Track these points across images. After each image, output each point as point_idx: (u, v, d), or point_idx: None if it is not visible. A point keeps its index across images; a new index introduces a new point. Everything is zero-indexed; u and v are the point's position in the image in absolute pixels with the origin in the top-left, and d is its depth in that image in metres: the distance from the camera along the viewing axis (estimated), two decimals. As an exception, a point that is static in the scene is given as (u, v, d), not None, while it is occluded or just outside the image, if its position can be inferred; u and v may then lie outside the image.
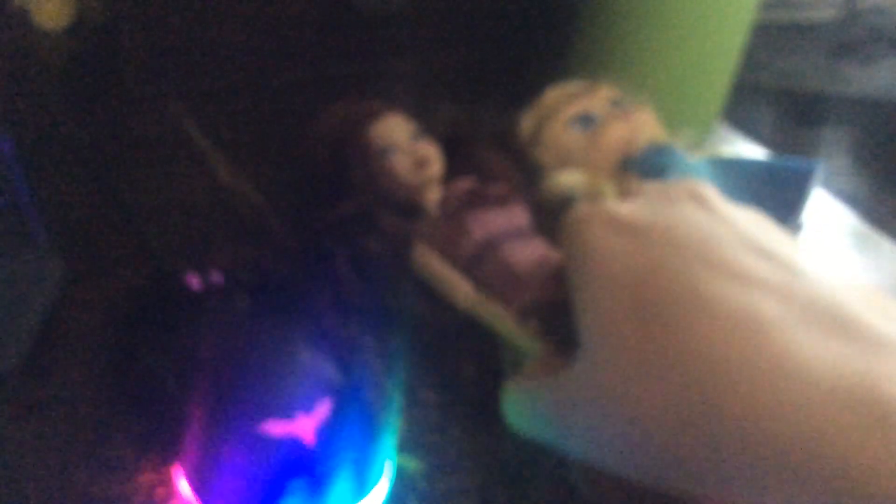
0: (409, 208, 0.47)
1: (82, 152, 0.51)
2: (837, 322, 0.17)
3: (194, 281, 0.39)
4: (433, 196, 0.48)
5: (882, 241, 0.58)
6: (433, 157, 0.48)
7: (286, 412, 0.34)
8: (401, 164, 0.47)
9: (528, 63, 0.63)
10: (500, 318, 0.40)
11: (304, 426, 0.34)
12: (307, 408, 0.34)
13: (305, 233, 0.44)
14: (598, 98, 0.51)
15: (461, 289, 0.43)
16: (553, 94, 0.53)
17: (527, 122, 0.52)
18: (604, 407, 0.20)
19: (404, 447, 0.38)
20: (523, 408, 0.24)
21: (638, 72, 0.59)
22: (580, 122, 0.49)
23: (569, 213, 0.24)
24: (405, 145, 0.48)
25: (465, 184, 0.49)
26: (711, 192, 0.23)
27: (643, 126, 0.50)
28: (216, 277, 0.39)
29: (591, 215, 0.23)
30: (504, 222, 0.46)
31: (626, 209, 0.22)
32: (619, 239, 0.21)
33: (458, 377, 0.41)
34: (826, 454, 0.15)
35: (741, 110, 0.73)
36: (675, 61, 0.59)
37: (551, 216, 0.39)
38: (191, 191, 0.49)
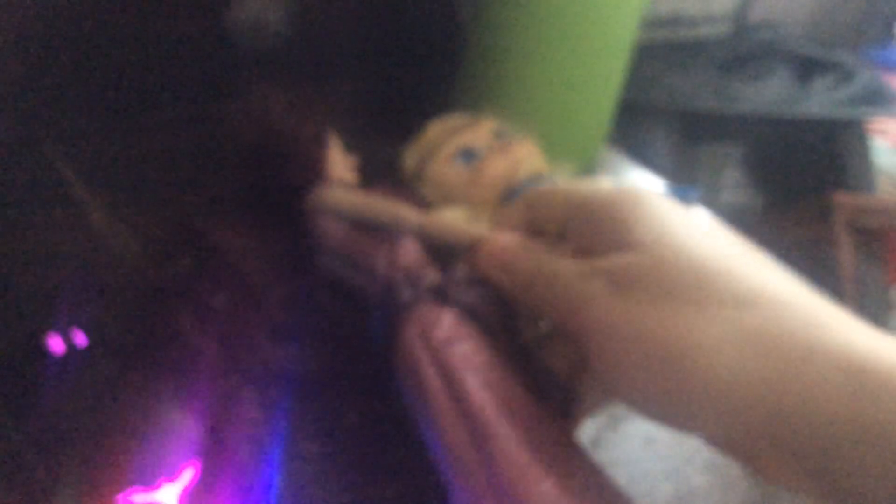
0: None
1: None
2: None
3: (57, 342, 0.38)
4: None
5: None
6: None
7: (147, 479, 0.33)
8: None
9: (413, 96, 0.63)
10: (461, 231, 0.36)
11: (167, 493, 0.32)
12: (170, 473, 0.33)
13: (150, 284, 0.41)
14: (480, 131, 0.51)
15: (403, 209, 0.38)
16: (435, 129, 0.53)
17: (410, 157, 0.52)
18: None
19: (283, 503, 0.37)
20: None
21: (521, 100, 0.60)
22: (462, 157, 0.49)
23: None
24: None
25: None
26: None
27: (524, 158, 0.50)
28: (80, 338, 0.38)
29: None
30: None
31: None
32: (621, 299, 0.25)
33: (340, 426, 0.40)
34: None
35: (630, 131, 0.75)
36: (558, 88, 0.60)
37: (440, 253, 0.38)
38: (58, 241, 0.47)
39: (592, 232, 0.28)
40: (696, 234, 0.26)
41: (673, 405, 0.24)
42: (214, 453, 0.36)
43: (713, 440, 0.24)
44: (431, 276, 0.36)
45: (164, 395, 0.36)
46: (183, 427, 0.35)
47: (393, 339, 0.33)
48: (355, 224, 0.41)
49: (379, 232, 0.40)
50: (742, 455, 0.23)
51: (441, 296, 0.34)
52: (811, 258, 1.07)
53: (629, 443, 0.39)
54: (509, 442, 0.27)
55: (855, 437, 0.20)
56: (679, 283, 0.24)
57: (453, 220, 0.42)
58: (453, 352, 0.31)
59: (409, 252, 0.39)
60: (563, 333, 0.29)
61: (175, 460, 0.34)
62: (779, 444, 0.22)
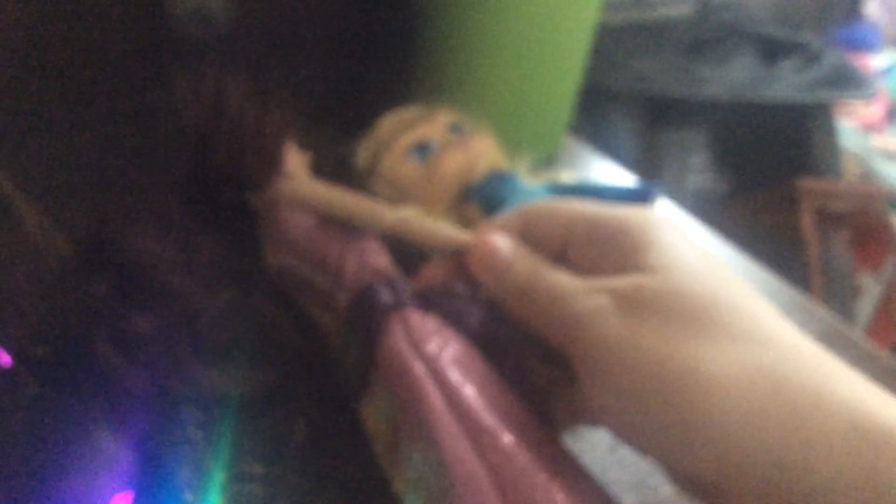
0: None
1: None
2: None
3: (-23, 362, 0.35)
4: None
5: (726, 251, 0.59)
6: None
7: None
8: None
9: (365, 88, 0.61)
10: (443, 232, 0.34)
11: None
12: (102, 502, 0.31)
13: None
14: (435, 124, 0.49)
15: (380, 207, 0.36)
16: (389, 122, 0.50)
17: (363, 153, 0.50)
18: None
19: (227, 530, 0.35)
20: None
21: (479, 89, 0.58)
22: (417, 151, 0.47)
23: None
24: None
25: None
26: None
27: (482, 153, 0.48)
28: (4, 359, 0.35)
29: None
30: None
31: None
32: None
33: (288, 443, 0.38)
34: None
35: (593, 118, 0.73)
36: (517, 75, 0.58)
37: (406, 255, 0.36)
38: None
39: (600, 251, 0.27)
40: (708, 264, 0.25)
41: (665, 435, 0.23)
42: (150, 479, 0.34)
43: (693, 478, 0.23)
44: (406, 279, 0.34)
45: (94, 418, 0.33)
46: (115, 452, 0.33)
47: (373, 345, 0.31)
48: (322, 220, 0.38)
49: (345, 230, 0.37)
50: (723, 498, 0.22)
51: (424, 301, 0.32)
52: (778, 244, 1.07)
53: (594, 451, 0.39)
54: (517, 453, 0.25)
55: (856, 494, 0.19)
56: (690, 312, 0.23)
57: (438, 224, 0.40)
58: (447, 361, 0.29)
59: (377, 253, 0.36)
60: (553, 347, 0.27)
61: (107, 488, 0.32)
62: (772, 493, 0.21)
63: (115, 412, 0.34)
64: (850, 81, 1.06)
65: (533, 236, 0.30)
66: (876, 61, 1.87)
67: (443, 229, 0.34)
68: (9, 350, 0.35)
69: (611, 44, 0.95)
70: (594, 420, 0.26)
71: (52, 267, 0.42)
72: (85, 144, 0.55)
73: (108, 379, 0.33)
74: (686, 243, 0.26)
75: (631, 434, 0.24)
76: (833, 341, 0.50)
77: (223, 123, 0.37)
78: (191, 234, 0.37)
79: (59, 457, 0.32)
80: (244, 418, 0.37)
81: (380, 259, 0.36)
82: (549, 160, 0.65)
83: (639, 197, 0.45)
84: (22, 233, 0.45)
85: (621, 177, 0.67)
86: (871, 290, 1.17)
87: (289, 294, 0.41)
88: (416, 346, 0.29)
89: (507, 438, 0.26)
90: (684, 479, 0.24)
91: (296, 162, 0.40)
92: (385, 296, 0.32)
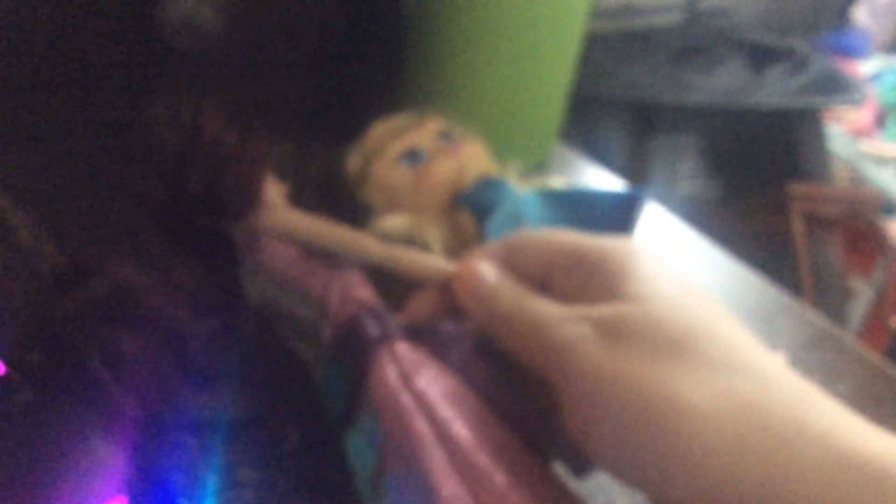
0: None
1: None
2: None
3: (-30, 371, 0.35)
4: None
5: (717, 256, 0.59)
6: None
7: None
8: None
9: (355, 96, 0.61)
10: (431, 265, 0.34)
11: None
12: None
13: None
14: (425, 132, 0.49)
15: (365, 239, 0.36)
16: (379, 130, 0.51)
17: (353, 161, 0.50)
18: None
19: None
20: None
21: (468, 96, 0.58)
22: (407, 158, 0.48)
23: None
24: None
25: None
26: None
27: (472, 159, 0.48)
28: (-3, 366, 0.35)
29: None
30: None
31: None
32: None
33: (281, 449, 0.38)
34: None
35: (583, 125, 0.73)
36: (507, 83, 0.58)
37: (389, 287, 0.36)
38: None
39: (582, 280, 0.27)
40: (689, 293, 0.25)
41: (643, 463, 0.23)
42: (143, 485, 0.34)
43: None
44: (391, 312, 0.34)
45: (87, 425, 0.33)
46: (108, 458, 0.33)
47: (360, 377, 0.31)
48: (304, 251, 0.38)
49: (328, 262, 0.37)
50: None
51: (412, 334, 0.32)
52: (768, 249, 1.08)
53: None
54: (511, 494, 0.25)
55: None
56: (671, 341, 0.23)
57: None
58: (437, 395, 0.29)
59: (360, 285, 0.36)
60: (536, 375, 0.28)
61: (100, 494, 0.32)
62: None
63: (109, 418, 0.34)
64: (838, 87, 1.06)
65: (517, 265, 0.30)
66: (864, 67, 1.88)
67: (428, 260, 0.34)
68: (2, 357, 0.35)
69: (600, 52, 0.96)
70: (576, 446, 0.27)
71: (44, 275, 0.42)
72: (78, 154, 0.55)
73: (101, 392, 0.33)
74: (667, 272, 0.26)
75: (610, 461, 0.25)
76: (825, 345, 0.50)
77: (200, 149, 0.37)
78: (169, 260, 0.37)
79: (53, 462, 0.32)
80: (238, 424, 0.38)
81: (363, 291, 0.36)
82: (539, 167, 0.65)
83: (627, 202, 0.45)
84: (15, 241, 0.45)
85: (611, 183, 0.68)
86: (862, 294, 1.17)
87: (270, 325, 0.41)
88: (406, 378, 0.29)
89: (500, 478, 0.26)
90: None
91: (274, 192, 0.39)
92: (372, 327, 0.32)
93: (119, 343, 0.34)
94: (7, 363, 0.35)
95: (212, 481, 0.36)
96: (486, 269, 0.30)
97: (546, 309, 0.27)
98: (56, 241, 0.44)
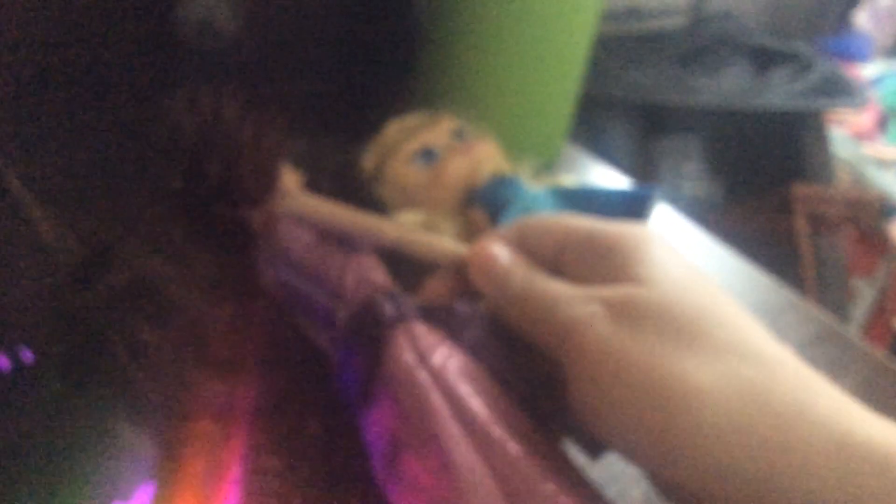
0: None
1: None
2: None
3: (2, 360, 0.36)
4: None
5: (724, 254, 0.60)
6: None
7: (100, 501, 0.31)
8: None
9: (370, 96, 0.62)
10: (443, 247, 0.35)
11: (121, 517, 0.31)
12: (124, 495, 0.32)
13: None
14: (438, 131, 0.50)
15: (381, 222, 0.37)
16: (394, 129, 0.51)
17: (369, 159, 0.51)
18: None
19: (243, 522, 0.35)
20: None
21: (480, 97, 0.59)
22: (421, 157, 0.48)
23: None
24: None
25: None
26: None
27: (485, 158, 0.49)
28: (26, 355, 0.36)
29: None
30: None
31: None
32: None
33: (301, 436, 0.39)
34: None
35: (591, 126, 0.74)
36: (518, 84, 0.59)
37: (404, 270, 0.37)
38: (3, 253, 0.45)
39: (594, 262, 0.28)
40: (697, 279, 0.26)
41: (649, 443, 0.23)
42: (170, 472, 0.34)
43: (675, 486, 0.24)
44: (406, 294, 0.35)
45: (116, 413, 0.34)
46: (136, 446, 0.34)
47: (377, 358, 0.32)
48: (322, 234, 0.39)
49: (343, 246, 0.38)
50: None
51: (428, 315, 0.33)
52: (771, 249, 1.08)
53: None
54: (524, 463, 0.26)
55: None
56: (678, 324, 0.24)
57: (438, 238, 0.41)
58: (453, 372, 0.29)
59: (375, 268, 0.37)
60: (548, 356, 0.28)
61: (129, 481, 0.33)
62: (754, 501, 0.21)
63: (135, 407, 0.34)
64: (841, 90, 1.07)
65: (529, 248, 0.31)
66: (866, 71, 1.89)
67: (442, 242, 0.35)
68: (30, 347, 0.36)
69: (607, 54, 0.97)
70: (584, 424, 0.27)
71: (66, 267, 0.43)
72: (97, 148, 0.56)
73: (126, 381, 0.34)
74: (677, 258, 0.27)
75: (616, 439, 0.25)
76: (830, 340, 0.51)
77: (218, 138, 0.38)
78: (187, 248, 0.37)
79: (81, 451, 0.33)
80: (260, 412, 0.38)
81: (378, 274, 0.36)
82: (549, 166, 0.66)
83: (639, 199, 0.46)
84: (37, 235, 0.45)
85: (619, 182, 0.68)
86: (864, 294, 1.18)
87: (288, 310, 0.42)
88: (422, 357, 0.30)
89: (514, 448, 0.26)
90: (667, 487, 0.25)
91: (291, 179, 0.40)
92: (389, 308, 0.32)
93: (141, 332, 0.34)
94: (34, 353, 0.36)
95: (235, 469, 0.36)
96: (499, 251, 0.31)
97: (557, 289, 0.28)
98: (77, 234, 0.45)
